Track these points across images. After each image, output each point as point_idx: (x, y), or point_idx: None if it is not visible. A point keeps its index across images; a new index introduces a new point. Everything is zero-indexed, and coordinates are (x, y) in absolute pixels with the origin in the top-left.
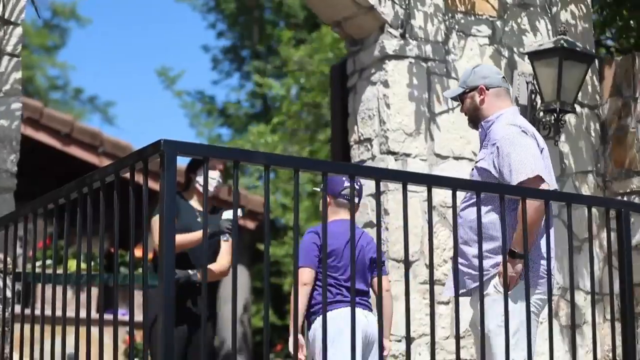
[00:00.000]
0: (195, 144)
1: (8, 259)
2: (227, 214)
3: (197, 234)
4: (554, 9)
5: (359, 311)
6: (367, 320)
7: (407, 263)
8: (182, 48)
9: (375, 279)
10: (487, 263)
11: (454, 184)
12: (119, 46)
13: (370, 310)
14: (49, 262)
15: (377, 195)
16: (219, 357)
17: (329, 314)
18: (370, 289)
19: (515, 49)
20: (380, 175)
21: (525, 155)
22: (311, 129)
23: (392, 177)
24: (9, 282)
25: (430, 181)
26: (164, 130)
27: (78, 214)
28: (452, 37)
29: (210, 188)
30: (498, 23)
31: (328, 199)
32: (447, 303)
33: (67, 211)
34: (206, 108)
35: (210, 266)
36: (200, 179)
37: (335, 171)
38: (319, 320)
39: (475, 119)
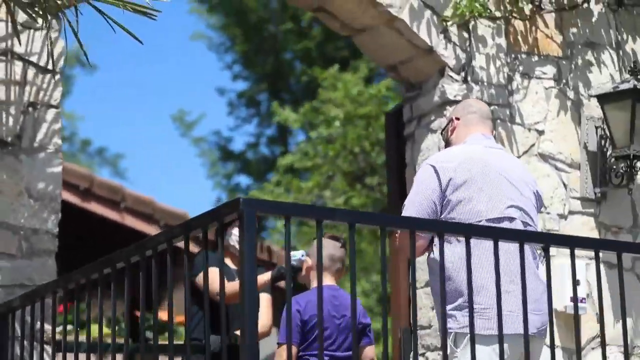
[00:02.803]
0: (276, 202)
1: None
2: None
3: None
4: (623, 47)
5: None
6: None
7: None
8: (197, 91)
9: (367, 349)
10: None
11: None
12: (127, 94)
13: None
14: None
15: (468, 252)
16: None
17: None
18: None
19: (582, 91)
20: (470, 232)
21: (410, 198)
22: (351, 175)
23: (483, 234)
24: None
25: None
26: (181, 183)
27: (141, 280)
28: (516, 79)
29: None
30: (564, 62)
31: (309, 262)
32: None
33: (127, 278)
34: (223, 156)
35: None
36: (230, 239)
37: (422, 229)
38: None
39: None
